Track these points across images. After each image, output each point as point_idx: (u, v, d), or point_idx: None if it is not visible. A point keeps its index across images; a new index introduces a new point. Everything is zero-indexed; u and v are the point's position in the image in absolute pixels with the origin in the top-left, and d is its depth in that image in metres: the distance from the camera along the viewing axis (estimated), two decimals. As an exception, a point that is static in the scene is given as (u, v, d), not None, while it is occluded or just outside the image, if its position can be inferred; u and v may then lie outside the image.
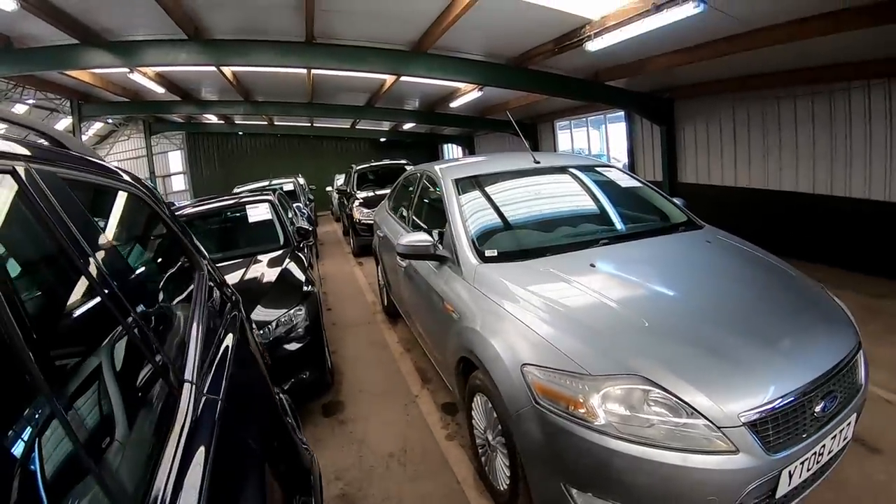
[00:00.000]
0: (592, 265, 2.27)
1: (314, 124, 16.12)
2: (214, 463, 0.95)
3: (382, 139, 18.13)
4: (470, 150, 16.19)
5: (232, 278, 3.37)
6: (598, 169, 3.32)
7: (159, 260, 1.71)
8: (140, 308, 1.10)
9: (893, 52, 4.15)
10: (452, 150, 18.31)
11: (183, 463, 0.89)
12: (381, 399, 3.33)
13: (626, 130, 8.66)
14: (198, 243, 2.02)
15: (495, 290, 2.17)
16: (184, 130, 17.42)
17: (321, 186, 14.81)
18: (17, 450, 0.57)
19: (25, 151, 0.93)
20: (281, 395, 1.99)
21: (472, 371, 2.18)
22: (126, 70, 7.34)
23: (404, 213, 3.96)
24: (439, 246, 2.70)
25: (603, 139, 9.89)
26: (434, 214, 3.20)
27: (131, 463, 0.80)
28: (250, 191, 7.62)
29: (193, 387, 1.13)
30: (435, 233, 2.84)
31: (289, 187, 10.79)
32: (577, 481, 1.62)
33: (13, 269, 0.78)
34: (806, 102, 5.33)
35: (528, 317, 1.93)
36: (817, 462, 1.63)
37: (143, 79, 8.27)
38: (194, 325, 1.40)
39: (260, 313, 3.07)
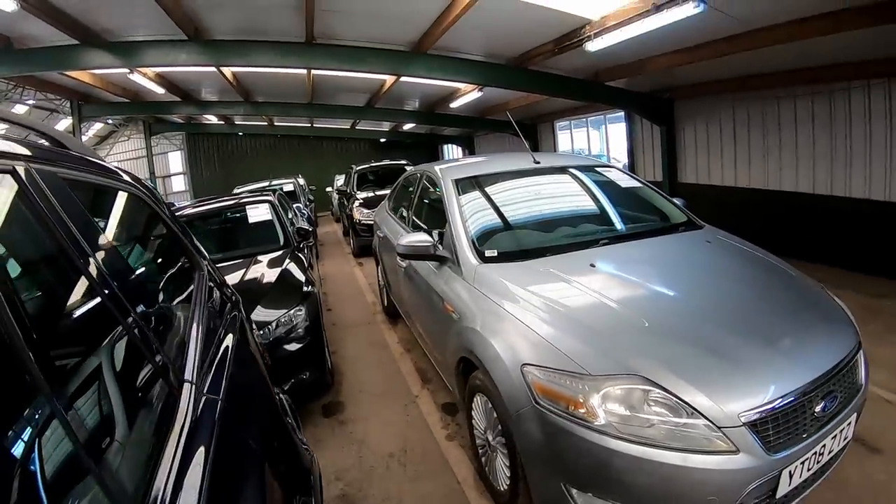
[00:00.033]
0: (592, 265, 2.27)
1: (314, 125, 16.13)
2: (214, 463, 0.95)
3: (382, 140, 18.14)
4: (470, 150, 16.19)
5: (232, 279, 3.37)
6: (598, 169, 3.33)
7: (159, 260, 1.71)
8: (140, 308, 1.10)
9: (893, 52, 4.15)
10: (452, 151, 18.31)
11: (183, 463, 0.89)
12: (381, 399, 3.33)
13: (626, 131, 8.66)
14: (198, 244, 2.02)
15: (495, 291, 2.17)
16: (184, 131, 17.42)
17: (321, 187, 14.82)
18: (17, 450, 0.57)
19: (26, 151, 0.93)
20: (281, 395, 1.99)
21: (472, 371, 2.17)
22: (126, 70, 7.34)
23: (404, 214, 3.96)
24: (439, 246, 2.70)
25: (603, 139, 9.89)
26: (434, 215, 3.20)
27: (131, 463, 0.80)
28: (250, 191, 7.62)
29: (193, 387, 1.13)
30: (435, 233, 2.84)
31: (289, 188, 10.79)
32: (578, 481, 1.62)
33: (13, 269, 0.78)
34: (806, 102, 5.33)
35: (528, 317, 1.93)
36: (817, 462, 1.63)
37: (143, 79, 8.27)
38: (194, 325, 1.40)
39: (260, 314, 3.07)
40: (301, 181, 12.35)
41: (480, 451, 2.27)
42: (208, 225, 4.75)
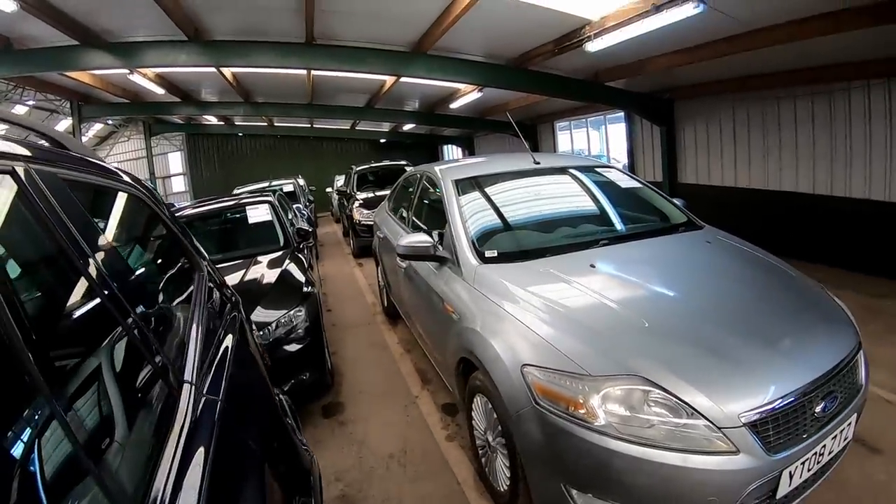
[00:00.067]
0: (592, 266, 2.27)
1: (314, 125, 16.13)
2: (214, 464, 0.95)
3: (382, 140, 18.15)
4: (470, 150, 16.19)
5: (232, 279, 3.37)
6: (598, 169, 3.33)
7: (159, 261, 1.71)
8: (140, 309, 1.10)
9: (893, 52, 4.15)
10: (452, 151, 18.31)
11: (182, 463, 0.89)
12: (381, 400, 3.33)
13: (626, 131, 8.66)
14: (197, 244, 2.02)
15: (495, 291, 2.17)
16: (184, 132, 17.42)
17: (321, 187, 14.81)
18: (17, 450, 0.57)
19: (25, 152, 0.93)
20: (281, 396, 1.99)
21: (472, 372, 2.17)
22: (126, 71, 7.33)
23: (404, 214, 3.96)
24: (439, 247, 2.70)
25: (603, 140, 9.89)
26: (434, 215, 3.20)
27: (131, 463, 0.80)
28: (250, 192, 7.62)
29: (193, 387, 1.13)
30: (435, 234, 2.84)
31: (289, 188, 10.79)
32: (578, 482, 1.62)
33: (13, 269, 0.78)
34: (806, 102, 5.34)
35: (528, 317, 1.93)
36: (818, 462, 1.63)
37: (143, 80, 8.27)
38: (194, 325, 1.40)
39: (260, 314, 3.07)
40: (301, 182, 12.34)
41: (480, 451, 2.27)
42: (208, 225, 4.75)
